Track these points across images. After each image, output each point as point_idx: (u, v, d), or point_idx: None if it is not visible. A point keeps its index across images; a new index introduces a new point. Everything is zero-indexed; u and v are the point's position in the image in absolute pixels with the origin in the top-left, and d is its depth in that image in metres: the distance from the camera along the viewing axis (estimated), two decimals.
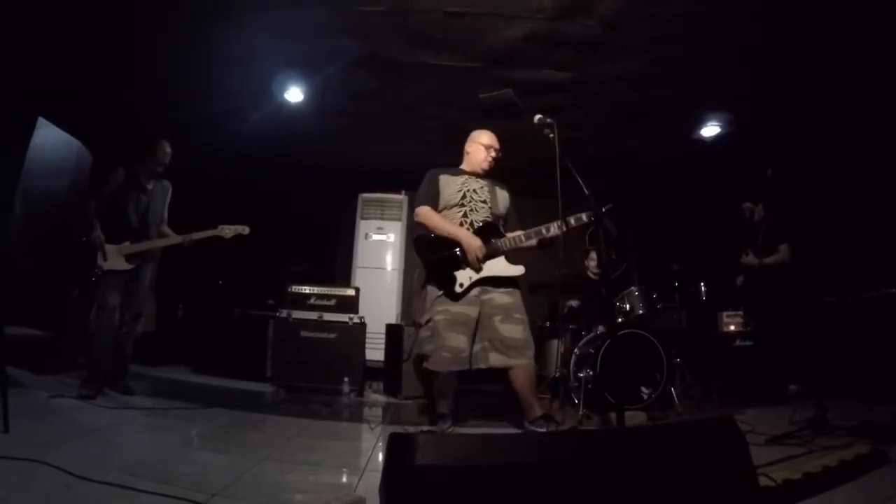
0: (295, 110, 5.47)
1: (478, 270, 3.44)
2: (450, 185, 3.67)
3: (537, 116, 3.06)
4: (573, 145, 5.26)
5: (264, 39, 4.25)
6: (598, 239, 2.90)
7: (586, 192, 3.04)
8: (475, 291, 3.46)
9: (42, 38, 4.24)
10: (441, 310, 3.44)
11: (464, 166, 3.82)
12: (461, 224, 3.55)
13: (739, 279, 5.24)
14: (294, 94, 5.18)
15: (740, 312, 5.25)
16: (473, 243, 3.42)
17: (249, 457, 2.67)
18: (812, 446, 2.89)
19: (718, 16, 3.77)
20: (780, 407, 4.07)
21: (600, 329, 4.75)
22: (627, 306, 4.72)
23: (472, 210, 3.59)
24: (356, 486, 2.41)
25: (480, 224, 3.56)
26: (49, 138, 5.64)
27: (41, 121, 5.19)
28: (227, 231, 4.32)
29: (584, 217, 3.28)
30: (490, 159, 3.73)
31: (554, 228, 3.34)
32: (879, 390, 4.27)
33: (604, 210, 3.15)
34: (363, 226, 7.54)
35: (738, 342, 5.12)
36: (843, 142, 5.49)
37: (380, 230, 7.49)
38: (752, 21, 3.81)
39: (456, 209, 3.60)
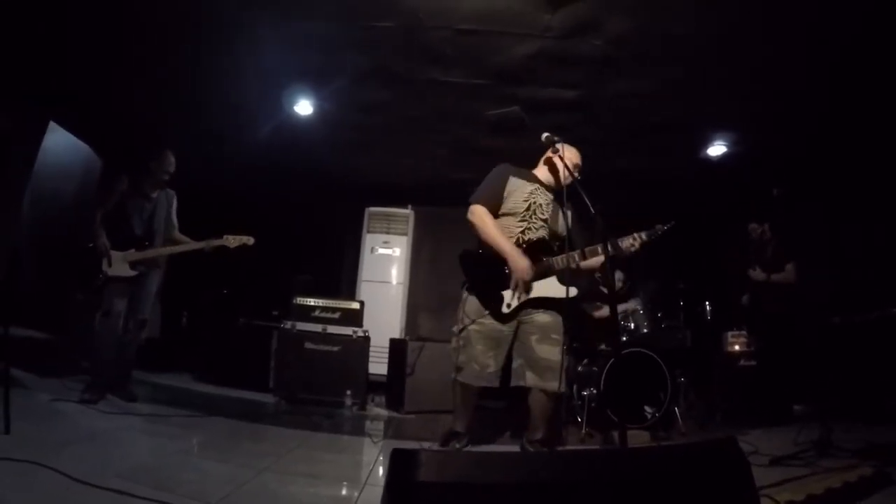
0: (304, 122, 5.50)
1: (522, 295, 3.21)
2: (517, 192, 3.37)
3: (545, 135, 3.06)
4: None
5: (275, 52, 4.29)
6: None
7: (592, 210, 3.05)
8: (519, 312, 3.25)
9: (56, 43, 4.29)
10: (477, 321, 3.23)
11: (538, 172, 3.53)
12: (517, 241, 3.28)
13: (745, 298, 5.22)
14: (303, 107, 5.20)
15: (745, 332, 5.23)
16: (521, 264, 3.14)
17: (250, 467, 2.67)
18: (816, 468, 2.88)
19: (726, 36, 3.78)
20: (785, 428, 4.05)
21: (604, 347, 4.75)
22: (632, 325, 4.71)
23: (530, 228, 3.33)
24: (356, 501, 2.41)
25: (534, 241, 3.31)
26: (59, 142, 5.69)
27: (52, 125, 5.24)
28: (232, 241, 4.33)
29: (644, 235, 3.13)
30: (572, 179, 3.21)
31: (609, 248, 2.96)
32: (885, 411, 4.24)
33: (666, 227, 3.12)
34: (369, 239, 7.57)
35: (742, 362, 5.09)
36: (849, 161, 5.48)
37: (386, 244, 7.51)
38: (761, 41, 3.82)
39: (516, 221, 3.33)
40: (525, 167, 3.54)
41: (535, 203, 3.37)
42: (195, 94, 5.07)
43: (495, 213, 3.33)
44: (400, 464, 1.22)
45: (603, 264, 3.13)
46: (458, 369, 3.27)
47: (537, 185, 3.43)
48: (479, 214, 3.29)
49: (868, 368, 4.58)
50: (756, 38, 3.79)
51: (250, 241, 4.38)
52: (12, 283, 3.66)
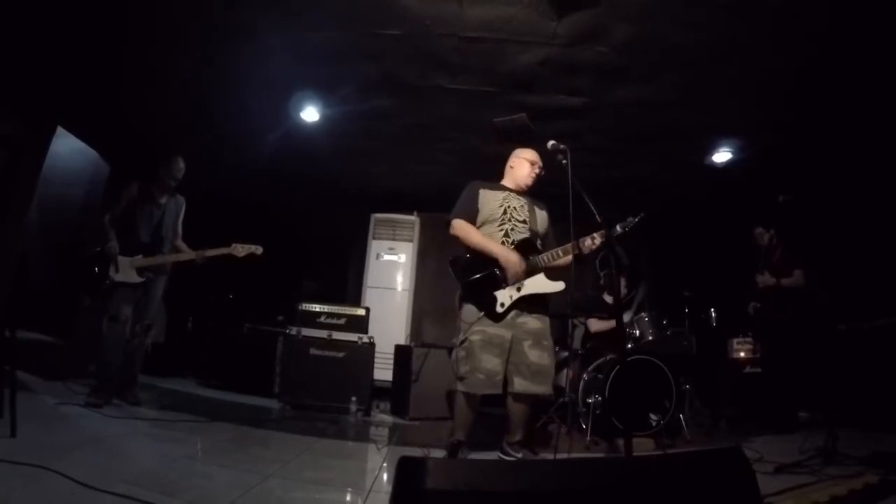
0: (311, 129, 5.52)
1: (518, 288, 3.31)
2: (490, 201, 3.52)
3: (551, 143, 3.06)
4: (585, 170, 5.28)
5: (283, 60, 4.31)
6: (608, 264, 2.89)
7: (598, 218, 3.06)
8: (512, 314, 3.31)
9: (65, 49, 4.32)
10: (477, 330, 3.27)
11: (505, 182, 3.69)
12: (502, 242, 3.39)
13: (752, 306, 5.19)
14: (310, 114, 5.22)
15: (750, 339, 5.21)
16: (513, 258, 3.28)
17: (255, 473, 2.67)
18: (821, 475, 2.87)
19: (731, 42, 3.79)
20: (790, 435, 4.04)
21: (610, 355, 4.74)
22: (637, 332, 4.70)
23: (513, 229, 3.44)
24: None
25: (519, 241, 3.41)
26: (67, 147, 5.73)
27: (60, 130, 5.28)
28: (241, 250, 4.34)
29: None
30: (534, 175, 3.60)
31: (589, 241, 3.21)
32: (892, 419, 4.22)
33: (636, 219, 3.14)
34: (375, 246, 7.57)
35: (747, 369, 5.08)
36: (854, 167, 5.47)
37: (391, 250, 7.51)
38: (766, 48, 3.82)
39: (496, 226, 3.45)
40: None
41: (509, 206, 3.50)
42: (202, 101, 5.10)
43: (475, 225, 3.49)
44: (407, 471, 1.22)
45: (603, 260, 3.15)
46: (461, 379, 3.28)
47: (508, 192, 3.59)
48: (460, 226, 3.46)
49: (875, 376, 4.56)
50: (762, 45, 3.79)
51: (259, 250, 4.38)
52: (20, 289, 3.68)
